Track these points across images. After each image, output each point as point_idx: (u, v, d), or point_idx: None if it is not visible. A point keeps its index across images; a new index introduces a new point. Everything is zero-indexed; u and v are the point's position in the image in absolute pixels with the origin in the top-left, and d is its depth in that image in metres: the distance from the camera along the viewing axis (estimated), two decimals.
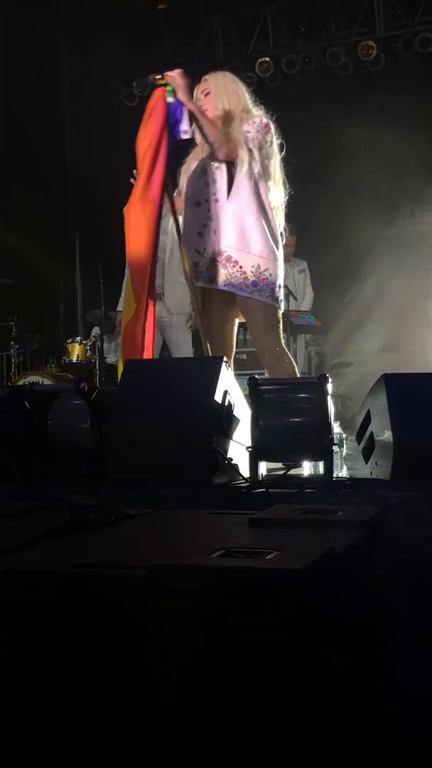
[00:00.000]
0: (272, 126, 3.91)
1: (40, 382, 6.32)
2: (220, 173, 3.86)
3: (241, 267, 3.81)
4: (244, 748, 1.10)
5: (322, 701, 1.12)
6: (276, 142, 3.92)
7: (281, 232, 3.99)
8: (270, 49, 9.15)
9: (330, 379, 3.00)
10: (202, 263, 3.86)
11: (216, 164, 3.86)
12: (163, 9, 9.54)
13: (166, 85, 3.80)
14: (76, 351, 7.41)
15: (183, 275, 4.24)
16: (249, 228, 3.81)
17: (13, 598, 1.31)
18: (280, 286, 3.92)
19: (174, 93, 3.77)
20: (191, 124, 3.83)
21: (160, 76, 3.77)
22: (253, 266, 3.81)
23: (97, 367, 6.95)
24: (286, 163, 4.02)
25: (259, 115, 3.92)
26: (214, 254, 3.84)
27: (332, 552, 1.37)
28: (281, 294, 3.96)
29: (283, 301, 4.03)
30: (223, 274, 3.82)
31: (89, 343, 7.32)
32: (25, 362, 7.61)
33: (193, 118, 3.84)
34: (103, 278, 6.99)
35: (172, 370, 3.40)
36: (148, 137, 3.77)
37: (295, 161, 4.09)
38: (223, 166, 3.85)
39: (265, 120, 3.90)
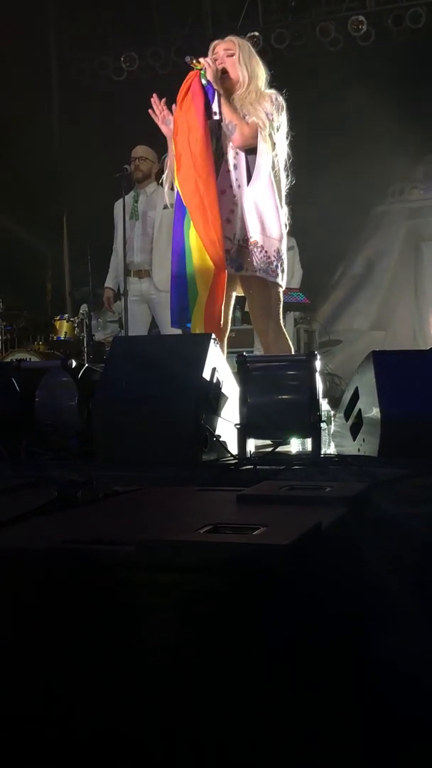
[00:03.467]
0: (284, 105, 3.91)
1: (28, 359, 6.30)
2: (240, 159, 3.91)
3: (266, 252, 3.90)
4: (234, 727, 1.11)
5: (309, 676, 1.13)
6: (286, 124, 3.92)
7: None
8: (259, 23, 9.07)
9: (318, 357, 3.00)
10: (233, 250, 3.90)
11: (234, 151, 3.90)
12: None
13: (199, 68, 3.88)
14: (64, 328, 7.38)
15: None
16: (268, 213, 3.89)
17: (1, 574, 1.31)
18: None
19: (206, 76, 3.84)
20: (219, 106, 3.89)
21: (196, 60, 3.84)
22: (275, 250, 3.91)
23: (85, 345, 6.93)
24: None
25: (273, 92, 3.91)
26: (242, 241, 3.91)
27: (319, 528, 1.38)
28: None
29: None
30: (253, 260, 3.89)
31: (77, 321, 7.29)
32: (13, 339, 7.56)
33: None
34: (91, 255, 6.95)
35: (160, 347, 3.39)
36: (195, 115, 3.81)
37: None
38: (242, 152, 3.90)
39: (280, 99, 3.91)
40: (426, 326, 9.17)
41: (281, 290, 4.03)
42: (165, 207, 5.73)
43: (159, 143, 4.16)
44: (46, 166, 9.03)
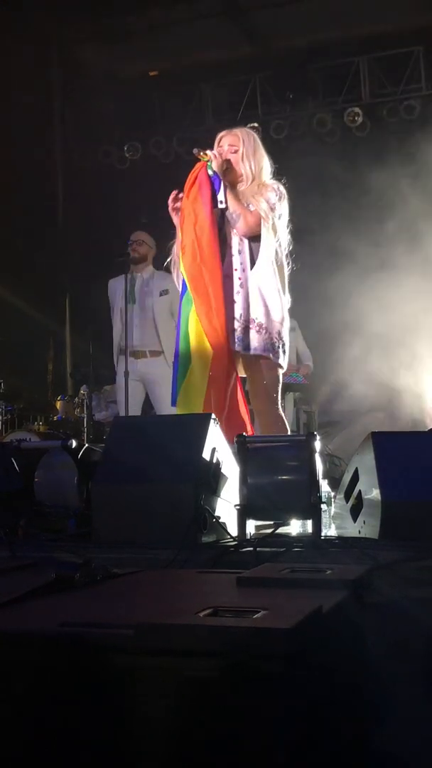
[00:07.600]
0: (286, 195, 4.05)
1: (28, 440, 6.29)
2: (244, 245, 4.07)
3: (269, 333, 4.04)
4: None
5: (311, 761, 1.10)
6: (287, 212, 4.06)
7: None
8: (258, 115, 9.36)
9: (318, 437, 3.00)
10: (239, 330, 4.03)
11: (238, 237, 4.07)
12: (155, 76, 9.80)
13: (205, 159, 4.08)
14: (64, 408, 7.41)
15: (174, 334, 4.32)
16: (271, 297, 4.05)
17: None
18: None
19: (212, 167, 4.04)
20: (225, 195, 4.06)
21: (203, 152, 4.04)
22: (277, 332, 4.06)
23: (85, 425, 6.94)
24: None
25: (275, 182, 4.11)
26: (247, 322, 4.04)
27: (320, 611, 1.36)
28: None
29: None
30: (256, 339, 4.02)
31: (77, 401, 7.32)
32: (13, 419, 7.58)
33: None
34: (92, 337, 7.04)
35: (160, 427, 3.40)
36: (202, 204, 4.00)
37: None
38: (246, 238, 4.06)
39: (282, 188, 4.10)
40: (424, 408, 9.19)
41: (281, 372, 4.10)
42: (161, 293, 5.91)
43: (159, 230, 4.28)
44: (49, 249, 9.20)
